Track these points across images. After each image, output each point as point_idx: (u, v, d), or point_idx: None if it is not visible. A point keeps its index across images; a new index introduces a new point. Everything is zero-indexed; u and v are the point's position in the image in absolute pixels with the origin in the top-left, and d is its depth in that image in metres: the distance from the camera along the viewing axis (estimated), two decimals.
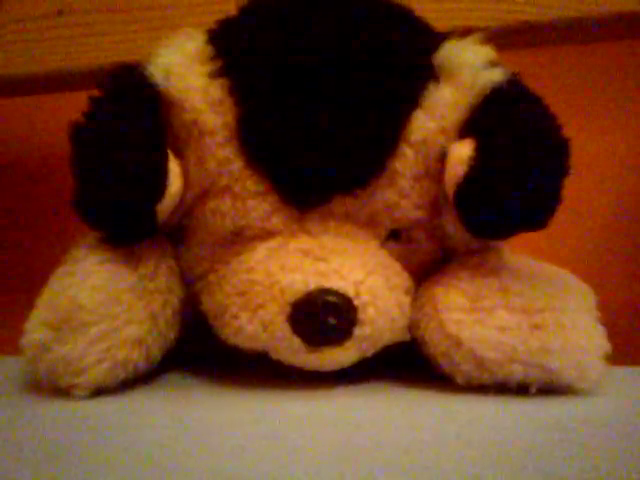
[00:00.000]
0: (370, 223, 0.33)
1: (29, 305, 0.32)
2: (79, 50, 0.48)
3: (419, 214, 0.33)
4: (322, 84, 0.31)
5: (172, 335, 0.34)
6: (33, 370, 0.31)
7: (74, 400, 0.31)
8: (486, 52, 0.33)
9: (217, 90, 0.32)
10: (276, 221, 0.33)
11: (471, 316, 0.31)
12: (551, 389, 0.31)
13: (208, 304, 0.34)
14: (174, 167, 0.32)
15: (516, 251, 0.36)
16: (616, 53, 0.56)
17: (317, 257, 0.32)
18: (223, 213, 0.33)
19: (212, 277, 0.34)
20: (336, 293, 0.30)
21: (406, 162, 0.32)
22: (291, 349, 0.31)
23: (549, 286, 0.32)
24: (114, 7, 0.47)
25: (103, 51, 0.47)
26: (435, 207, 0.34)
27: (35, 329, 0.31)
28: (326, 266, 0.31)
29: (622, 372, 0.35)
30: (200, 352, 0.39)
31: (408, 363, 0.35)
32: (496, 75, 0.32)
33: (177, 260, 0.35)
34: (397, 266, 0.34)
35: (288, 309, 0.30)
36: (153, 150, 0.31)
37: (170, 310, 0.34)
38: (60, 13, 0.48)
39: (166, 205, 0.32)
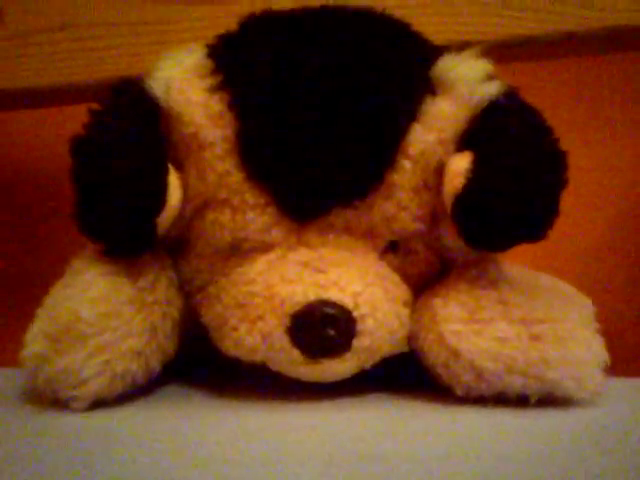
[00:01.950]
0: (369, 235, 0.33)
1: (29, 317, 0.32)
2: (81, 64, 0.48)
3: (417, 226, 0.34)
4: (321, 97, 0.31)
5: (171, 347, 0.34)
6: (32, 382, 0.31)
7: (73, 412, 0.31)
8: (483, 65, 0.33)
9: (217, 104, 0.32)
10: (275, 233, 0.33)
11: (470, 327, 0.31)
12: (550, 400, 0.31)
13: (207, 316, 0.34)
14: (174, 180, 0.32)
15: (515, 262, 0.36)
16: (612, 66, 0.56)
17: (316, 269, 0.32)
18: (222, 225, 0.33)
19: (211, 289, 0.34)
20: (335, 305, 0.30)
21: (404, 175, 0.32)
22: (290, 361, 0.31)
23: (548, 297, 0.33)
24: (116, 21, 0.48)
25: (105, 65, 0.48)
26: (433, 219, 0.34)
27: (35, 341, 0.31)
28: (325, 278, 0.31)
29: (621, 383, 0.35)
30: (199, 364, 0.39)
31: (407, 375, 0.35)
32: (493, 88, 0.32)
33: (176, 272, 0.35)
34: (396, 278, 0.34)
35: (287, 321, 0.30)
36: (153, 163, 0.32)
37: (169, 322, 0.34)
38: (63, 27, 0.48)
39: (166, 218, 0.32)
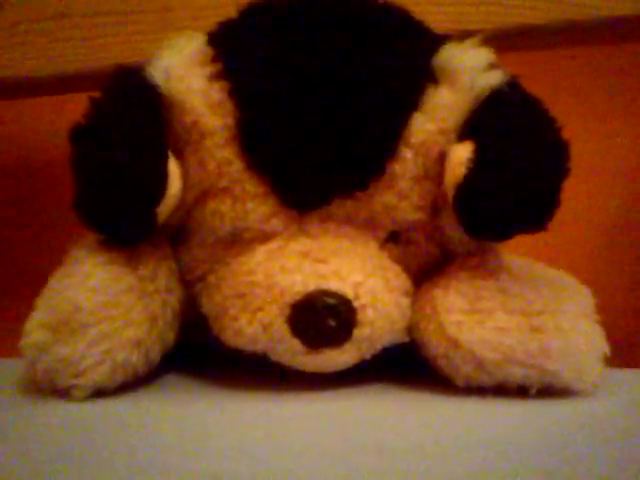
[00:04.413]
0: (370, 225, 0.33)
1: (28, 306, 0.32)
2: (81, 52, 0.48)
3: (418, 216, 0.33)
4: (322, 86, 0.31)
5: (172, 337, 0.34)
6: (32, 371, 0.31)
7: (73, 401, 0.31)
8: (485, 55, 0.33)
9: (217, 92, 0.32)
10: (276, 223, 0.33)
11: (470, 318, 0.31)
12: (550, 391, 0.31)
13: (207, 306, 0.34)
14: (174, 168, 0.32)
15: (516, 253, 0.36)
16: (615, 56, 0.56)
17: (317, 259, 0.32)
18: (223, 215, 0.33)
19: (211, 278, 0.34)
20: (335, 295, 0.30)
21: (406, 164, 0.32)
22: (290, 351, 0.31)
23: (548, 288, 0.32)
24: (116, 10, 0.47)
25: (105, 53, 0.47)
26: (434, 209, 0.34)
27: (34, 330, 0.31)
28: (325, 268, 0.31)
29: (620, 374, 0.35)
30: (200, 354, 0.39)
31: (407, 365, 0.35)
32: (495, 77, 0.32)
33: (177, 261, 0.35)
34: (396, 268, 0.34)
35: (287, 311, 0.30)
36: (153, 152, 0.31)
37: (170, 311, 0.34)
38: (62, 16, 0.48)
39: (166, 207, 0.32)
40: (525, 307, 0.31)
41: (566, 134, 0.31)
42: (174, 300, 0.34)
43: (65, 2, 0.48)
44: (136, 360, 0.32)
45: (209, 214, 0.34)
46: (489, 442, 0.25)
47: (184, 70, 0.33)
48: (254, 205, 0.33)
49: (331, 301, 0.30)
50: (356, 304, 0.31)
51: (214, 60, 0.33)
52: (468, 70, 0.32)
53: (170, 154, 0.32)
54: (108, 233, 0.33)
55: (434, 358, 0.32)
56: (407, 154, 0.32)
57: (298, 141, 0.32)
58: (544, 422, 0.28)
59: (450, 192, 0.31)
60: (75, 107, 0.32)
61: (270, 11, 0.34)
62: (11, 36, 0.49)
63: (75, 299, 0.31)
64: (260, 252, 0.33)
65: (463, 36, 0.34)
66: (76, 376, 0.31)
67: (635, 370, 0.36)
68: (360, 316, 0.31)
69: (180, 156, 0.33)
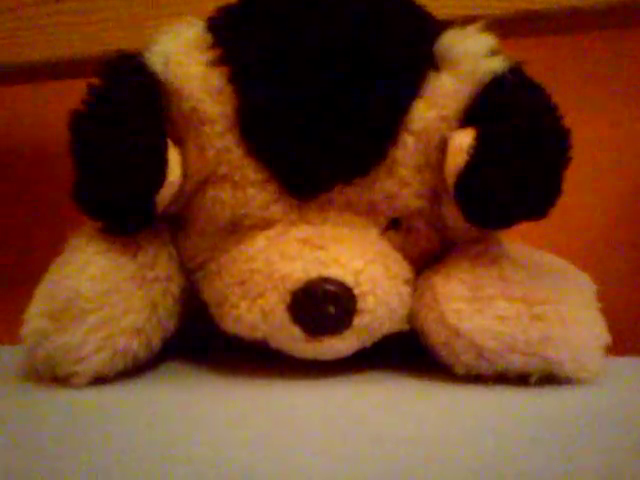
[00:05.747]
0: (370, 212, 0.33)
1: (28, 294, 0.32)
2: (77, 38, 0.47)
3: (419, 203, 0.33)
4: (322, 72, 0.31)
5: (172, 324, 0.34)
6: (32, 359, 0.31)
7: (73, 389, 0.31)
8: (487, 41, 0.32)
9: (216, 78, 0.32)
10: (276, 210, 0.33)
11: (471, 306, 0.31)
12: (550, 379, 0.31)
13: (208, 293, 0.34)
14: (173, 156, 0.32)
15: (517, 241, 0.36)
16: (619, 42, 0.56)
17: (317, 246, 0.31)
18: (223, 202, 0.33)
19: (212, 266, 0.34)
20: (336, 282, 0.30)
21: (407, 151, 0.32)
22: (291, 338, 0.31)
23: (550, 276, 0.32)
24: None
25: (101, 39, 0.47)
26: (435, 196, 0.34)
27: (34, 318, 0.31)
28: (326, 255, 0.31)
29: (622, 362, 0.35)
30: (200, 341, 0.39)
31: (408, 353, 0.35)
32: (497, 64, 0.32)
33: (177, 249, 0.35)
34: (397, 255, 0.34)
35: (288, 298, 0.30)
36: (152, 139, 0.31)
37: (170, 299, 0.34)
38: (57, 0, 0.47)
39: (165, 194, 0.32)
40: (526, 295, 0.31)
41: (568, 121, 0.31)
42: (174, 287, 0.34)
43: None
44: (136, 347, 0.32)
45: (209, 201, 0.33)
46: (489, 430, 0.25)
47: (183, 56, 0.32)
48: (254, 192, 0.33)
49: (331, 288, 0.30)
50: (356, 291, 0.31)
51: (213, 46, 0.32)
52: (470, 56, 0.32)
53: (169, 141, 0.32)
54: (107, 221, 0.33)
55: (434, 346, 0.32)
56: (408, 140, 0.32)
57: (298, 127, 0.31)
58: (544, 411, 0.28)
59: (451, 180, 0.31)
60: (73, 94, 0.31)
61: None
62: (5, 21, 0.48)
63: (75, 286, 0.31)
64: (260, 239, 0.33)
65: (465, 22, 0.33)
66: (76, 363, 0.31)
67: (636, 358, 0.36)
68: (360, 304, 0.31)
69: (179, 143, 0.33)
